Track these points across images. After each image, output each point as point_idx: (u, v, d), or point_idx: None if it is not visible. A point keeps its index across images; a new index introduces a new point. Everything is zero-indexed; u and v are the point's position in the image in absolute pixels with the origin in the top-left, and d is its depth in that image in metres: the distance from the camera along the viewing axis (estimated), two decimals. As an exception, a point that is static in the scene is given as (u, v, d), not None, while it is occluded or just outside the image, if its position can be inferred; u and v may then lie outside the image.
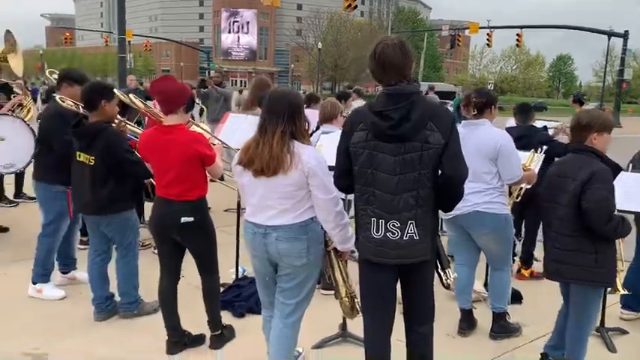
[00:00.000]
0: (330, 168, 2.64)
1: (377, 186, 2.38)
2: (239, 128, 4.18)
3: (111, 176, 3.49)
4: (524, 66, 69.80)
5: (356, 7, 23.38)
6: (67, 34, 48.73)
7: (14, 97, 6.68)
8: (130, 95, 3.58)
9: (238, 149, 4.05)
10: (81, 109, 3.71)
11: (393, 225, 2.38)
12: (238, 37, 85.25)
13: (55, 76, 4.31)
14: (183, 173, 3.10)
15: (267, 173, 2.60)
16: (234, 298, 3.98)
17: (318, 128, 4.37)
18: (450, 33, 39.64)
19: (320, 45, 52.11)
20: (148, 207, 5.50)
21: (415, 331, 2.63)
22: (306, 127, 2.72)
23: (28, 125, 5.61)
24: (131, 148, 3.48)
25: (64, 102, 3.75)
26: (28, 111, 6.82)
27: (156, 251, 5.32)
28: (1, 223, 5.99)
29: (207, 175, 3.24)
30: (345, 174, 2.52)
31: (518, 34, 33.50)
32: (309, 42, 72.89)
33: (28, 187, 7.17)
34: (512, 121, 5.10)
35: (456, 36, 38.41)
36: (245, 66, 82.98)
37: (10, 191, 7.26)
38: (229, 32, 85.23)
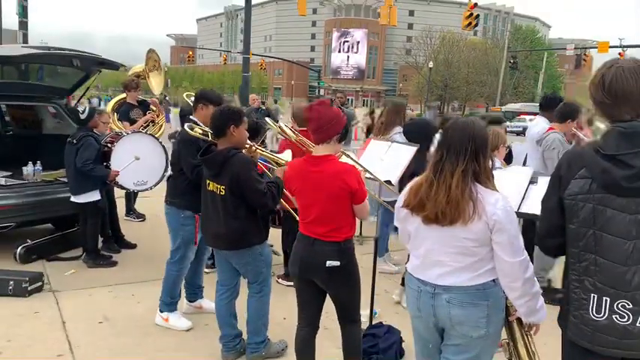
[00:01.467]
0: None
1: (601, 252, 1.79)
2: (383, 157, 3.77)
3: (242, 207, 3.19)
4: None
5: (476, 25, 22.38)
6: (190, 52, 51.98)
7: (149, 113, 6.87)
8: (281, 124, 3.28)
9: (388, 181, 3.73)
10: (209, 135, 3.49)
11: (623, 306, 1.78)
12: (348, 57, 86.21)
13: (192, 97, 4.16)
14: (331, 210, 2.72)
15: (442, 221, 2.13)
16: (370, 349, 3.52)
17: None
18: (575, 52, 36.83)
19: (431, 64, 50.94)
20: (273, 234, 5.34)
21: None
22: (492, 167, 2.22)
23: (161, 143, 5.68)
24: (260, 177, 3.20)
25: (192, 130, 3.55)
26: (160, 127, 7.00)
27: (279, 280, 5.16)
28: (129, 239, 6.06)
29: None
30: (554, 232, 1.94)
31: (657, 54, 30.32)
32: (419, 61, 71.88)
33: (139, 204, 7.35)
34: None
35: (582, 55, 35.65)
36: (353, 85, 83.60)
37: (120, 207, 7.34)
38: (339, 51, 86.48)
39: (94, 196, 5.21)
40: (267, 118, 3.88)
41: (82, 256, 5.40)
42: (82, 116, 5.21)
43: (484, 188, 2.13)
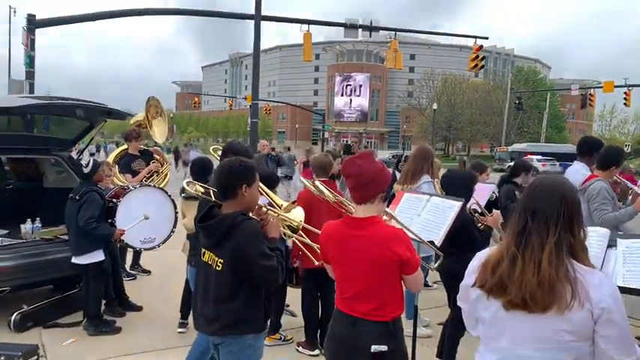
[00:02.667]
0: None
1: None
2: (421, 213, 3.34)
3: (242, 287, 2.59)
4: (664, 126, 63.37)
5: (483, 67, 22.32)
6: (196, 99, 52.49)
7: (152, 163, 6.50)
8: (317, 183, 2.85)
9: (431, 242, 3.30)
10: (212, 195, 2.92)
11: None
12: (350, 100, 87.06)
13: (219, 152, 3.81)
14: (377, 283, 2.28)
15: (531, 307, 1.69)
16: None
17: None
18: (580, 92, 36.84)
19: (435, 105, 51.26)
20: (292, 294, 4.87)
21: None
22: (586, 237, 1.79)
23: (170, 197, 5.29)
24: (268, 250, 2.56)
25: (192, 188, 3.04)
26: (164, 177, 6.62)
27: (300, 348, 4.64)
28: (134, 300, 5.58)
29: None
30: None
31: (662, 92, 30.24)
32: (422, 103, 72.50)
33: (143, 258, 6.88)
34: None
35: (587, 95, 35.65)
36: (356, 127, 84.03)
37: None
38: (342, 95, 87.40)
39: (98, 256, 4.78)
40: (302, 178, 3.44)
41: (82, 322, 4.93)
42: (86, 170, 4.83)
43: (582, 266, 1.70)
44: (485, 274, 1.80)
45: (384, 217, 2.43)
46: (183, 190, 5.39)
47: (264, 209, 2.83)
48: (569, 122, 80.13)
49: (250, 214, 2.70)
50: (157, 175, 6.54)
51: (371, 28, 19.85)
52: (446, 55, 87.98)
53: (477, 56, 21.53)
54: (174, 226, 5.22)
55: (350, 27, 19.23)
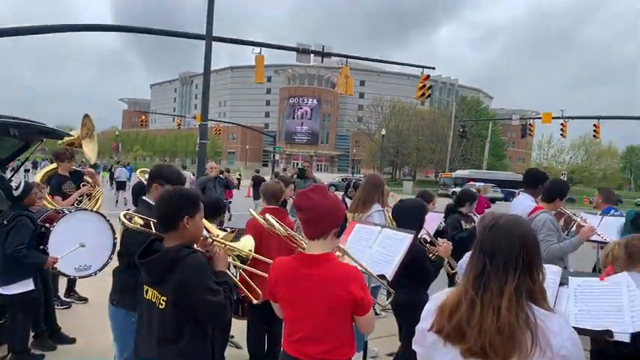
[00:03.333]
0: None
1: None
2: (373, 245, 3.26)
3: (186, 326, 2.40)
4: (595, 157, 67.06)
5: (429, 96, 22.90)
6: (143, 117, 51.13)
7: (84, 186, 6.14)
8: (268, 217, 2.68)
9: (382, 276, 3.21)
10: (153, 227, 2.72)
11: None
12: (302, 123, 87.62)
13: (146, 175, 3.54)
14: (329, 325, 2.16)
15: (490, 357, 1.61)
16: None
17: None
18: (521, 122, 38.51)
19: (384, 131, 52.34)
20: (237, 325, 4.65)
21: None
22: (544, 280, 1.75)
23: (108, 222, 5.00)
24: (215, 285, 2.38)
25: (130, 220, 2.79)
26: (97, 201, 6.25)
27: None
28: (67, 331, 5.19)
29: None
30: None
31: (595, 125, 31.96)
32: (371, 128, 73.91)
33: (80, 285, 6.46)
34: None
35: (527, 125, 37.32)
36: (307, 149, 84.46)
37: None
38: (293, 118, 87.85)
39: (27, 285, 4.42)
40: (251, 210, 3.27)
41: (7, 358, 4.52)
42: (16, 192, 4.49)
43: (542, 310, 1.65)
44: (443, 318, 1.72)
45: (337, 253, 2.32)
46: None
47: (210, 240, 2.64)
48: (509, 150, 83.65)
49: (195, 246, 2.52)
50: (89, 199, 6.18)
51: (323, 54, 20.04)
52: (394, 83, 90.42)
53: (424, 85, 22.14)
54: (113, 252, 4.91)
55: (302, 52, 19.33)
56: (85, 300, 6.45)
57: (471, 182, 41.54)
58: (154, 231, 2.63)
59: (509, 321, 1.59)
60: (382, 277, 3.07)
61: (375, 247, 3.28)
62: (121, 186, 20.10)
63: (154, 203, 3.05)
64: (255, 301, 2.57)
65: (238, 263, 2.89)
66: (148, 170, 3.68)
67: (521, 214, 4.73)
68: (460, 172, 51.95)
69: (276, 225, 2.59)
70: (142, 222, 2.77)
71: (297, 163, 78.75)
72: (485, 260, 1.69)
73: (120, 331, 3.18)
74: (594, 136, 34.37)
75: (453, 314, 1.69)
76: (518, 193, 5.13)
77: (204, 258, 2.49)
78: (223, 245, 2.74)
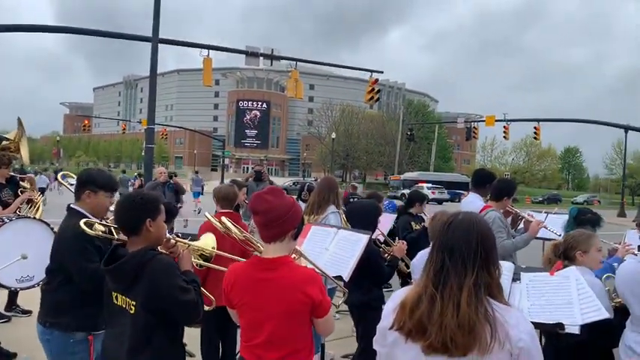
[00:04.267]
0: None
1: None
2: (329, 247, 3.25)
3: (159, 329, 2.36)
4: (536, 158, 70.06)
5: (378, 99, 23.27)
6: (86, 121, 49.32)
7: (23, 192, 5.80)
8: (224, 220, 2.61)
9: (338, 277, 3.20)
10: (114, 232, 2.70)
11: None
12: (251, 127, 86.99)
13: (71, 180, 3.35)
14: (287, 329, 2.13)
15: (451, 352, 1.63)
16: None
17: None
18: (465, 125, 39.65)
19: (334, 135, 52.74)
20: (189, 332, 4.48)
21: None
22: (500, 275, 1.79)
23: (52, 229, 4.76)
24: (185, 284, 2.37)
25: (90, 227, 2.70)
26: (37, 209, 5.93)
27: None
28: (7, 346, 4.91)
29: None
30: None
31: (536, 127, 33.39)
32: (322, 131, 74.34)
33: (22, 296, 6.14)
34: None
35: (472, 128, 38.46)
36: (257, 153, 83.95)
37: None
38: (243, 122, 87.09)
39: (-39, 299, 4.15)
40: (207, 214, 3.18)
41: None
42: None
43: (500, 304, 1.68)
44: (404, 315, 1.73)
45: (293, 255, 2.30)
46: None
47: (173, 241, 2.63)
48: (454, 153, 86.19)
49: (159, 249, 2.50)
50: (30, 207, 5.85)
51: (272, 57, 20.03)
52: (343, 87, 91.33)
53: (373, 89, 22.48)
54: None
55: (251, 54, 19.26)
56: (28, 313, 6.13)
57: (419, 184, 42.52)
58: (116, 237, 2.59)
59: (469, 315, 1.62)
60: (339, 278, 3.07)
61: (331, 248, 3.29)
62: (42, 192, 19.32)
63: (84, 212, 2.98)
64: (207, 308, 2.52)
65: (203, 262, 2.85)
66: (73, 175, 3.47)
67: None
68: (408, 175, 53.09)
69: (233, 228, 2.54)
70: (102, 228, 2.73)
71: (252, 167, 78.35)
72: (444, 256, 1.72)
73: (56, 353, 2.92)
74: (535, 137, 35.89)
75: (413, 311, 1.71)
76: (467, 194, 5.27)
77: (171, 258, 2.49)
78: (186, 245, 2.72)
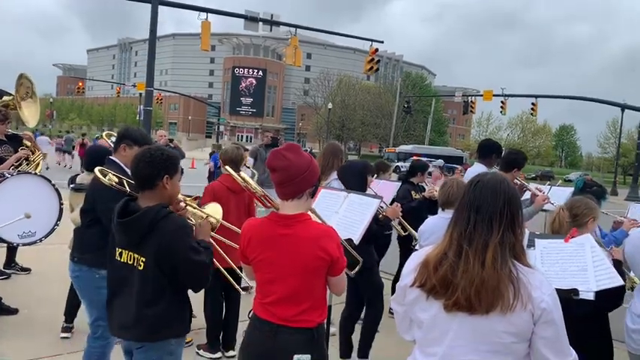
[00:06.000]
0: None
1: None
2: (339, 210, 3.24)
3: (167, 288, 2.37)
4: (531, 134, 70.11)
5: (377, 70, 23.03)
6: (80, 84, 48.68)
7: (22, 149, 5.71)
8: (244, 175, 2.58)
9: (349, 240, 3.18)
10: (126, 185, 2.76)
11: None
12: (247, 94, 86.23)
13: (113, 138, 3.52)
14: (305, 286, 2.12)
15: (474, 308, 1.63)
16: None
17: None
18: (463, 99, 39.49)
19: (330, 105, 52.34)
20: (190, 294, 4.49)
21: None
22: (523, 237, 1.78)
23: (54, 186, 4.72)
24: (197, 245, 2.39)
25: (105, 175, 2.82)
26: (36, 166, 5.86)
27: (201, 352, 4.35)
28: (9, 302, 4.91)
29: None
30: None
31: (533, 103, 33.32)
32: (318, 102, 73.77)
33: (21, 255, 6.15)
34: None
35: (469, 102, 38.30)
36: (252, 122, 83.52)
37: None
38: (239, 89, 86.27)
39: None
40: (227, 167, 3.20)
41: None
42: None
43: (523, 266, 1.67)
44: (427, 272, 1.72)
45: (309, 213, 2.27)
46: (72, 180, 4.86)
47: (183, 204, 2.62)
48: (450, 127, 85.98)
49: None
50: (28, 164, 5.78)
51: (272, 23, 19.64)
52: (341, 57, 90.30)
53: (373, 59, 22.22)
54: (59, 219, 4.66)
55: (250, 19, 18.86)
56: (27, 270, 6.13)
57: (414, 157, 42.55)
58: (128, 190, 2.62)
59: (494, 274, 1.61)
60: (349, 241, 3.06)
61: (341, 211, 3.27)
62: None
63: (121, 163, 3.15)
64: (222, 263, 2.53)
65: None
66: (114, 134, 3.70)
67: None
68: (403, 147, 52.99)
69: (252, 183, 2.51)
70: (116, 179, 2.78)
71: (244, 136, 77.81)
72: (469, 215, 1.71)
73: (83, 287, 3.22)
74: (532, 114, 35.80)
75: (438, 267, 1.70)
76: (460, 168, 5.26)
77: (185, 219, 2.50)
78: (195, 209, 2.72)
